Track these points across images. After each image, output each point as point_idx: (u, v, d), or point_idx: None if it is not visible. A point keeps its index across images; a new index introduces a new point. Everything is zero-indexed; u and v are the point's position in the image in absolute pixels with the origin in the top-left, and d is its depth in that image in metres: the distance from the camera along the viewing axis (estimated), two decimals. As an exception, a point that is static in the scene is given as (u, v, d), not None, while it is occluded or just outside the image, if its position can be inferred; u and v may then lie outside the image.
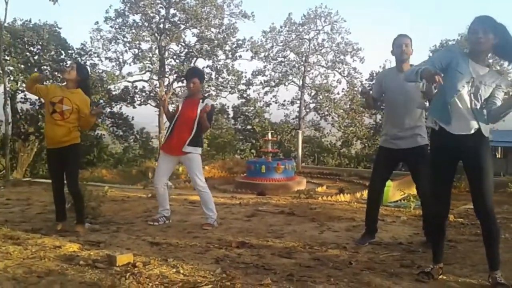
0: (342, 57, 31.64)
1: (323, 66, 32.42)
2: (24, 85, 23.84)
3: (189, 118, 4.89)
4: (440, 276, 3.11)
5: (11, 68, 22.67)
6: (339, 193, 10.67)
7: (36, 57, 24.47)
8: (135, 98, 28.77)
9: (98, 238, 4.12)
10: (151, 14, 27.48)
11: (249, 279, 2.99)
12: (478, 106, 2.97)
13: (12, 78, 22.80)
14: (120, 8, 27.34)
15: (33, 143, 21.89)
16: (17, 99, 23.92)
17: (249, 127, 31.73)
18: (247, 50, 29.71)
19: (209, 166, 17.30)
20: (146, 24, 27.77)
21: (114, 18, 27.51)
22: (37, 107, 24.55)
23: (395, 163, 4.30)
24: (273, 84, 31.91)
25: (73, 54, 26.24)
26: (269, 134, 15.91)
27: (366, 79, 30.51)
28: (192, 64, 28.52)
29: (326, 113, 31.53)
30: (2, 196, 6.92)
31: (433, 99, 3.21)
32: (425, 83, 3.15)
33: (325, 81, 31.96)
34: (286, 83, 32.03)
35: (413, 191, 5.77)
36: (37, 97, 22.93)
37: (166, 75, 28.55)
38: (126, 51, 28.03)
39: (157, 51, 28.05)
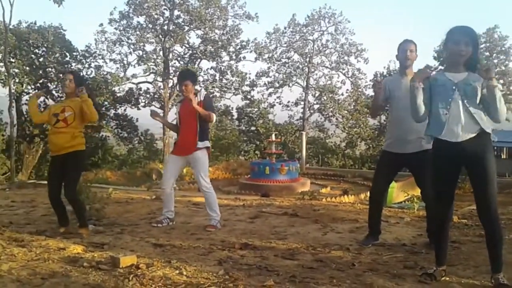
0: (346, 58, 31.65)
1: (327, 67, 32.45)
2: (29, 87, 24.00)
3: (190, 118, 4.91)
4: (443, 278, 3.10)
5: (16, 70, 22.79)
6: (343, 194, 10.68)
7: (41, 59, 24.57)
8: (140, 100, 28.88)
9: (102, 240, 4.14)
10: (155, 16, 27.57)
11: (251, 280, 2.99)
12: (473, 106, 2.98)
13: (17, 81, 22.91)
14: (125, 10, 27.47)
15: (38, 145, 22.01)
16: (22, 101, 24.01)
17: (253, 128, 31.75)
18: (251, 51, 29.77)
19: (213, 168, 17.31)
20: (150, 25, 27.86)
21: (118, 20, 27.62)
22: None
23: (398, 167, 4.29)
24: (277, 85, 31.93)
25: (78, 56, 26.36)
26: (273, 136, 15.92)
27: (370, 80, 30.50)
28: (196, 66, 28.60)
29: (330, 114, 31.52)
30: (7, 198, 6.96)
31: (429, 118, 3.20)
32: (417, 85, 3.17)
33: (329, 82, 31.98)
34: (290, 84, 32.06)
35: (417, 192, 5.76)
36: (42, 100, 23.15)
37: (171, 77, 28.60)
38: (130, 53, 28.17)
39: (161, 53, 28.13)
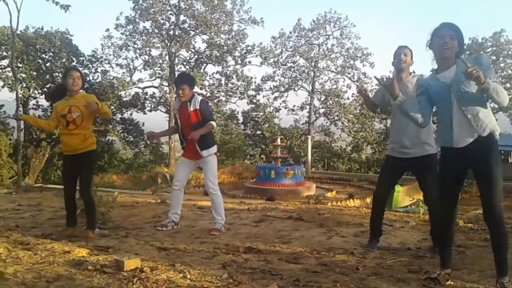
0: (351, 62, 31.71)
1: (332, 71, 32.48)
2: (36, 92, 24.17)
3: (188, 126, 4.90)
4: (448, 282, 3.09)
5: (24, 75, 22.99)
6: (348, 198, 10.66)
7: (48, 64, 24.78)
8: (146, 104, 29.03)
9: (107, 243, 4.15)
10: (161, 21, 27.74)
11: (255, 284, 2.99)
12: (470, 110, 2.92)
13: (24, 85, 23.09)
14: (131, 15, 27.69)
15: (45, 149, 22.13)
16: (29, 105, 24.24)
17: (258, 132, 31.78)
18: (256, 56, 29.88)
19: (218, 172, 17.23)
20: (156, 30, 28.04)
21: (124, 25, 27.85)
22: (48, 113, 24.82)
23: (402, 171, 4.29)
24: (282, 89, 31.99)
25: (84, 61, 26.54)
26: (278, 140, 15.94)
27: (376, 84, 30.42)
28: (202, 70, 28.70)
29: (336, 118, 31.51)
30: (14, 201, 7.00)
31: (437, 128, 3.20)
32: (392, 102, 3.17)
33: (334, 86, 32.00)
34: (296, 89, 32.11)
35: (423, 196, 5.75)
36: (48, 104, 23.28)
37: (176, 81, 28.71)
38: (136, 57, 28.40)
39: (167, 58, 28.27)
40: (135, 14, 27.60)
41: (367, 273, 3.37)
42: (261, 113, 31.74)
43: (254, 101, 31.13)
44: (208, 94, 28.93)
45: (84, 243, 4.12)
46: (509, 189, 11.40)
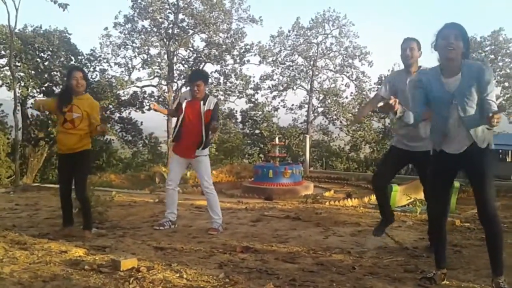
0: (350, 61, 31.62)
1: (331, 70, 32.41)
2: (34, 91, 24.13)
3: (195, 122, 4.92)
4: (443, 281, 3.10)
5: (22, 74, 22.92)
6: (346, 197, 10.65)
7: (46, 63, 24.70)
8: (144, 103, 28.94)
9: (104, 243, 4.16)
10: (160, 20, 27.66)
11: (251, 284, 3.00)
12: (470, 121, 2.91)
13: (22, 84, 23.04)
14: (129, 14, 27.58)
15: (43, 149, 22.08)
16: (28, 104, 24.14)
17: (257, 131, 31.75)
18: (255, 55, 29.79)
19: (216, 171, 17.32)
20: (155, 29, 27.97)
21: (123, 24, 27.74)
22: (47, 113, 24.77)
23: (405, 163, 4.30)
24: (281, 88, 31.95)
25: (83, 60, 26.48)
26: (277, 139, 15.90)
27: (374, 83, 30.46)
28: (200, 69, 28.68)
29: (334, 117, 31.48)
30: (11, 201, 7.00)
31: (431, 129, 3.18)
32: (392, 116, 3.11)
33: (333, 85, 31.91)
34: (294, 88, 32.06)
35: (420, 195, 5.75)
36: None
37: (175, 80, 28.70)
38: (135, 56, 28.27)
39: (165, 56, 28.21)
40: (134, 13, 27.51)
41: (363, 272, 3.39)
42: (260, 112, 31.71)
43: (253, 100, 31.09)
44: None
45: (81, 242, 4.13)
46: (506, 188, 11.42)
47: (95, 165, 23.17)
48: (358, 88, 31.37)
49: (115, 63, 28.16)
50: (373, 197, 7.07)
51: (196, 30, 28.22)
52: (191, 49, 29.47)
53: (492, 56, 28.82)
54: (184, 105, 4.99)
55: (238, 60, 29.41)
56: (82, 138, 4.50)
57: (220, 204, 5.13)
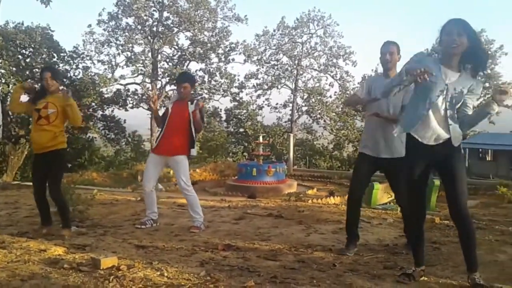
0: (334, 60, 31.87)
1: (315, 70, 32.62)
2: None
3: (180, 122, 4.92)
4: (422, 278, 3.14)
5: (3, 71, 22.56)
6: (329, 196, 10.74)
7: (28, 60, 24.35)
8: (127, 101, 28.76)
9: (84, 242, 4.12)
10: (144, 17, 27.49)
11: (232, 281, 3.01)
12: (452, 114, 2.97)
13: (3, 81, 22.68)
14: (113, 11, 27.38)
15: (23, 146, 21.73)
16: (8, 101, 23.77)
17: (241, 130, 31.79)
18: (240, 53, 29.86)
19: (200, 169, 17.30)
20: (139, 27, 27.78)
21: (107, 21, 27.52)
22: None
23: (374, 170, 4.18)
24: (265, 87, 32.04)
25: (65, 57, 26.15)
26: (261, 137, 15.96)
27: (358, 83, 30.70)
28: (185, 67, 28.55)
29: (318, 116, 31.68)
30: (-10, 199, 6.89)
31: (406, 110, 3.20)
32: (408, 78, 3.04)
33: (317, 84, 32.14)
34: (279, 86, 32.19)
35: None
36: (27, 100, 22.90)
37: (159, 78, 28.56)
38: (118, 54, 28.09)
39: (150, 54, 28.06)
40: (118, 10, 27.31)
41: (343, 269, 3.42)
42: (244, 111, 31.77)
43: (237, 98, 31.13)
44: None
45: (60, 241, 4.08)
46: (486, 187, 11.63)
47: (77, 163, 22.92)
48: (342, 87, 31.58)
49: (99, 61, 27.94)
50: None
51: (181, 28, 28.12)
52: (176, 47, 29.36)
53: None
54: (170, 106, 5.04)
55: (223, 59, 29.41)
56: (56, 136, 4.42)
57: (203, 202, 5.14)
